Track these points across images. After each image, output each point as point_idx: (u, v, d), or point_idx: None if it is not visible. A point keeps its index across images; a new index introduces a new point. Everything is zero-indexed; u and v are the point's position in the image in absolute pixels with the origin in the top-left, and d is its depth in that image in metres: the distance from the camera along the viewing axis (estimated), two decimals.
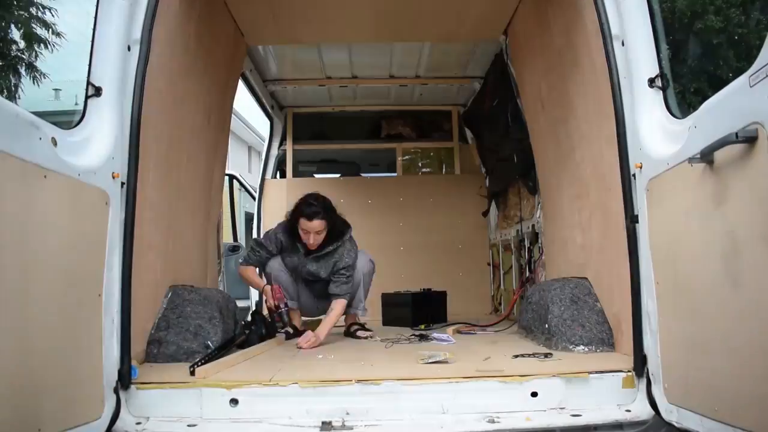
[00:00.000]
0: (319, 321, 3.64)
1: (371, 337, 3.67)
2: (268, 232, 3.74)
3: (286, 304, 3.48)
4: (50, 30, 12.40)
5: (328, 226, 3.54)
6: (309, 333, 3.34)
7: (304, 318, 3.91)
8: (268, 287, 3.54)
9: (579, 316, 2.86)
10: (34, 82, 12.60)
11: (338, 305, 3.56)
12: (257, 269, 3.70)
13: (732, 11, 13.76)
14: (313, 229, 3.48)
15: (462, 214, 5.75)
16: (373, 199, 5.81)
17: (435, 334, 3.59)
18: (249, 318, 3.32)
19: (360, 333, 3.72)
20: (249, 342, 3.13)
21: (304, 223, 3.47)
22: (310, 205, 3.50)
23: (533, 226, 4.26)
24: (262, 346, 3.15)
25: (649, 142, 2.29)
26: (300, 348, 3.21)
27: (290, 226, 3.60)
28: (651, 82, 2.34)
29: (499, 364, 2.54)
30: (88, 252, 2.13)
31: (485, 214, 5.68)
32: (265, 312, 3.63)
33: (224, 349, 2.84)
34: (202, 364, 2.47)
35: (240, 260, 3.89)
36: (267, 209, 5.78)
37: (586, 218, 3.12)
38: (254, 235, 5.68)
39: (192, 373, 2.38)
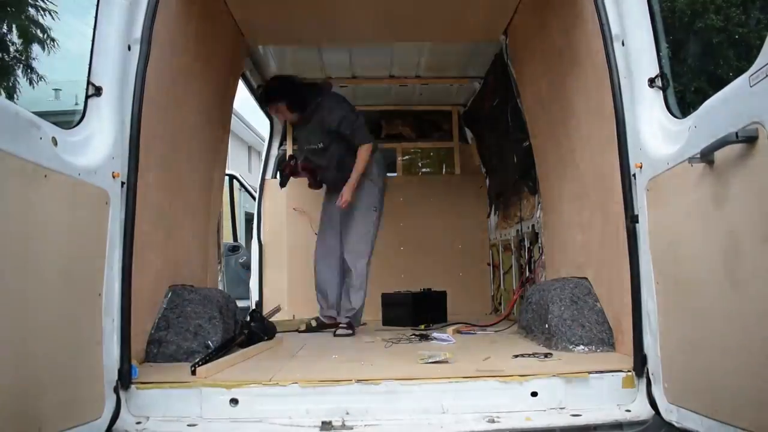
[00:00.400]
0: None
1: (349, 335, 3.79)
2: None
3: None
4: (46, 34, 12.40)
5: (287, 102, 3.69)
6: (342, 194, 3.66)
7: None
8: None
9: (579, 316, 2.86)
10: (30, 84, 12.60)
11: (361, 151, 3.70)
12: None
13: (732, 11, 13.76)
14: (275, 113, 3.79)
15: (462, 214, 5.74)
16: None
17: (435, 334, 3.59)
18: (248, 318, 3.32)
19: (339, 332, 3.83)
20: (249, 342, 3.12)
21: (272, 109, 3.80)
22: (260, 98, 3.75)
23: (533, 226, 4.26)
24: (262, 345, 3.15)
25: (649, 142, 2.29)
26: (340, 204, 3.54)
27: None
28: (651, 82, 2.34)
29: (499, 364, 2.54)
30: (88, 251, 2.13)
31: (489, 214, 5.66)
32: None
33: (225, 348, 2.85)
34: (203, 363, 2.47)
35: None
36: (267, 209, 5.77)
37: (586, 218, 3.12)
38: (254, 235, 5.68)
39: (193, 373, 2.38)
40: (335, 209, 3.90)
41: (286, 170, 4.01)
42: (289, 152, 6.02)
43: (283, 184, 4.14)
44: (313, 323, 4.04)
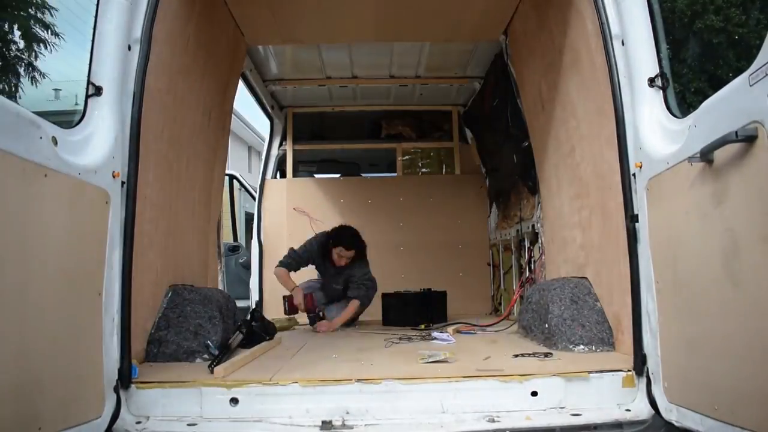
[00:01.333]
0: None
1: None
2: (305, 244, 4.67)
3: (319, 310, 4.44)
4: (50, 30, 12.34)
5: (358, 253, 4.57)
6: (325, 322, 4.28)
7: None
8: (300, 290, 4.44)
9: (579, 316, 2.86)
10: (32, 83, 12.56)
11: (352, 305, 4.43)
12: (288, 272, 4.59)
13: (732, 11, 13.77)
14: (347, 255, 4.49)
15: (462, 214, 5.75)
16: (373, 199, 5.81)
17: (435, 334, 3.60)
18: (248, 316, 3.32)
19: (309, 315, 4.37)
20: (252, 341, 3.12)
21: (342, 250, 4.47)
22: (347, 238, 4.51)
23: (533, 226, 4.26)
24: (265, 345, 3.14)
25: (649, 141, 2.29)
26: (317, 331, 4.14)
27: (324, 248, 4.56)
28: (651, 81, 2.34)
29: (499, 363, 2.54)
30: (89, 251, 2.13)
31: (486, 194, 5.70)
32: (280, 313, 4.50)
33: (241, 346, 2.89)
34: (217, 364, 2.47)
35: (276, 265, 4.68)
36: (267, 209, 5.78)
37: (586, 218, 3.12)
38: (254, 235, 5.70)
39: (211, 372, 2.40)
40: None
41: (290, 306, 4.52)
42: (289, 153, 6.03)
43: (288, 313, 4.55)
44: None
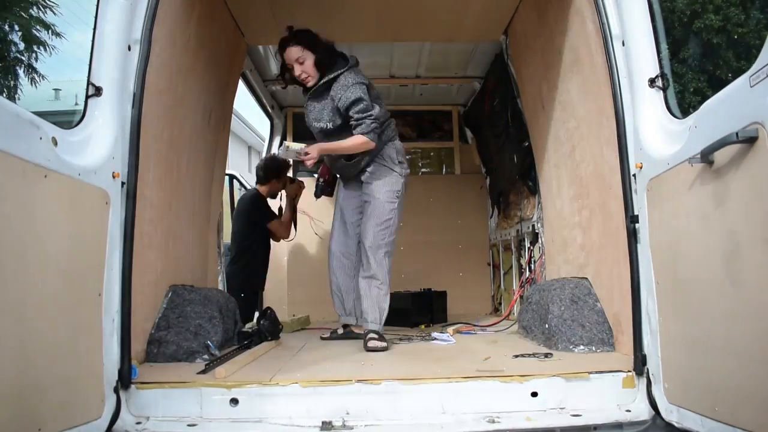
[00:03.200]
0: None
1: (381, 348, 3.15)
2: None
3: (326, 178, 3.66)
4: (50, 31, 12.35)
5: (314, 55, 3.22)
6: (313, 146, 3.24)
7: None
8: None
9: (579, 316, 2.86)
10: (32, 84, 12.57)
11: (353, 139, 3.17)
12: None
13: (732, 11, 13.79)
14: (292, 59, 3.21)
15: (462, 214, 5.74)
16: None
17: (435, 334, 3.60)
18: (258, 316, 3.33)
19: (371, 344, 3.13)
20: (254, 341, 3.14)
21: (283, 57, 3.25)
22: (288, 38, 3.25)
23: (533, 226, 4.26)
24: (266, 345, 3.15)
25: (649, 142, 2.29)
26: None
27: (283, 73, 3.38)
28: (651, 81, 2.34)
29: (500, 364, 2.54)
30: (89, 251, 2.13)
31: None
32: None
33: (241, 347, 2.91)
34: (215, 365, 2.47)
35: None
36: None
37: (586, 218, 3.12)
38: None
39: (204, 372, 2.40)
40: (349, 202, 3.61)
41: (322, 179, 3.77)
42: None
43: (318, 195, 3.88)
44: (340, 330, 3.62)
